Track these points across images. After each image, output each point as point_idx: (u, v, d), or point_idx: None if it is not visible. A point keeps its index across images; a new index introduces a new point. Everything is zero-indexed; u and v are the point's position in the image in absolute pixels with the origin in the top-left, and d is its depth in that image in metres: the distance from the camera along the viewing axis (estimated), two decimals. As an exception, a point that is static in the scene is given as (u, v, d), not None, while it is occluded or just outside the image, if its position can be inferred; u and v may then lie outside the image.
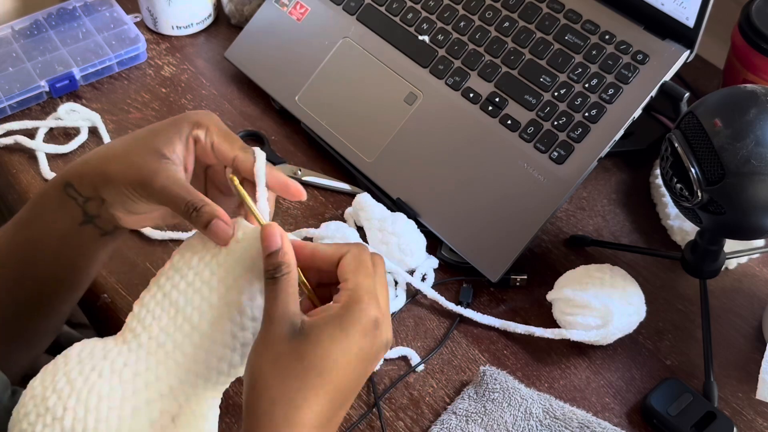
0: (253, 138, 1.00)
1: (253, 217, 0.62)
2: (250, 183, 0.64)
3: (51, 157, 0.97)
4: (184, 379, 0.59)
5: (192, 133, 0.64)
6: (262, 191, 0.62)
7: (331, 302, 0.58)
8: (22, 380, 0.73)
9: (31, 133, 0.99)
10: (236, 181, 0.63)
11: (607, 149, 0.85)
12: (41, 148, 0.96)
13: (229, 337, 0.59)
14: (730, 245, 0.85)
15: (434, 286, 0.86)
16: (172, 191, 0.61)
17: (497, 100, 0.90)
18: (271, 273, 0.57)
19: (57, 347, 1.00)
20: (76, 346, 0.61)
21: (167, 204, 0.62)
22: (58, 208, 0.65)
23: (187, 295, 0.60)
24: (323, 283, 0.62)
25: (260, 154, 0.64)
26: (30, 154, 0.97)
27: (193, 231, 0.63)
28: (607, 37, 0.88)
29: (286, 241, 0.58)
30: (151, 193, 0.62)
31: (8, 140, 0.97)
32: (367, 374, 0.58)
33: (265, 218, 0.61)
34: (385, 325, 0.57)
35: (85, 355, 0.60)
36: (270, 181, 0.63)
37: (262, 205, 0.62)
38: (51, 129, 1.00)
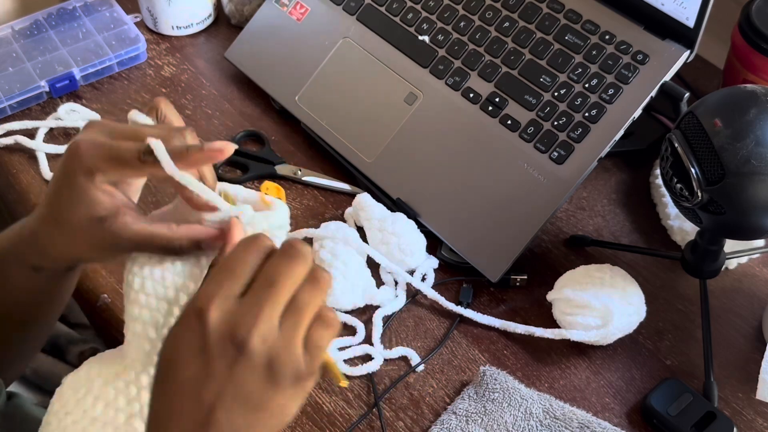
0: (253, 138, 1.00)
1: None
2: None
3: (51, 157, 0.97)
4: None
5: (97, 183, 0.57)
6: (191, 184, 0.56)
7: None
8: (21, 381, 0.74)
9: (31, 134, 0.99)
10: (224, 196, 0.59)
11: (607, 149, 0.85)
12: (41, 148, 0.96)
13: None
14: (730, 245, 0.85)
15: (434, 286, 0.86)
16: (142, 244, 0.57)
17: (497, 100, 0.90)
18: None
19: (57, 348, 1.00)
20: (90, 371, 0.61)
21: (148, 251, 0.58)
22: (19, 282, 0.63)
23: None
24: None
25: (158, 149, 0.56)
26: (30, 154, 0.97)
27: None
28: (607, 37, 0.88)
29: (237, 236, 0.55)
30: (127, 250, 0.58)
31: (8, 140, 0.97)
32: (219, 387, 0.49)
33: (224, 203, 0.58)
34: (217, 320, 0.49)
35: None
36: (195, 163, 0.57)
37: (213, 197, 0.57)
38: (51, 129, 1.00)
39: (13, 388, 0.91)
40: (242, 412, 0.50)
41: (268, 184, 0.60)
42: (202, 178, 0.59)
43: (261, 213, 0.58)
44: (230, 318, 0.49)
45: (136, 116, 0.59)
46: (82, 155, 0.57)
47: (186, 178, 0.56)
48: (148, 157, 0.55)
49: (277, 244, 0.54)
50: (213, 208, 0.58)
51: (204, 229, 0.57)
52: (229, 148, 0.57)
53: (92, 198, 0.57)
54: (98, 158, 0.57)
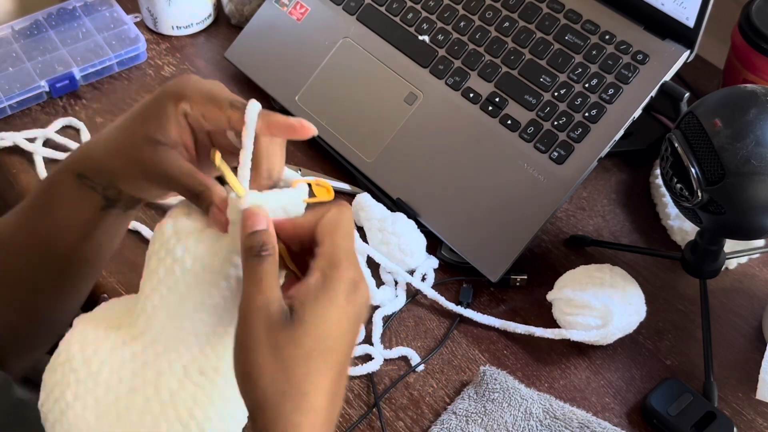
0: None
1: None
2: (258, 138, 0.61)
3: (48, 161, 0.96)
4: (178, 349, 0.59)
5: (178, 108, 0.60)
6: (247, 155, 0.58)
7: (311, 270, 0.55)
8: (22, 381, 0.74)
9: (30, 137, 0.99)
10: (218, 159, 0.60)
11: (607, 149, 0.85)
12: (40, 152, 0.96)
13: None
14: (730, 245, 0.85)
15: (434, 286, 0.86)
16: (172, 178, 0.59)
17: (497, 100, 0.90)
18: (257, 251, 0.54)
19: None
20: (99, 310, 0.62)
21: (174, 190, 0.60)
22: (76, 196, 0.64)
23: (174, 274, 0.58)
24: (304, 249, 0.59)
25: (252, 107, 0.59)
26: (29, 157, 0.97)
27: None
28: (607, 37, 0.88)
29: (269, 221, 0.56)
30: (156, 181, 0.60)
31: (7, 143, 0.97)
32: (356, 337, 0.56)
33: (244, 185, 0.58)
34: (363, 285, 0.55)
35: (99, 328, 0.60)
36: (271, 128, 0.59)
37: (244, 173, 0.58)
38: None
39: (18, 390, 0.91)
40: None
41: (321, 182, 0.60)
42: (268, 157, 0.60)
43: (274, 192, 0.59)
44: (367, 287, 0.56)
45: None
46: (177, 82, 0.61)
47: (248, 143, 0.58)
48: (236, 107, 0.59)
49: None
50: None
51: (221, 201, 0.58)
52: (312, 131, 0.59)
53: (165, 120, 0.60)
54: (192, 88, 0.60)
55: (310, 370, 0.53)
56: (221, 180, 0.59)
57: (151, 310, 0.58)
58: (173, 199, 0.86)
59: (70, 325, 0.65)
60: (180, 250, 0.57)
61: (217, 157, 0.60)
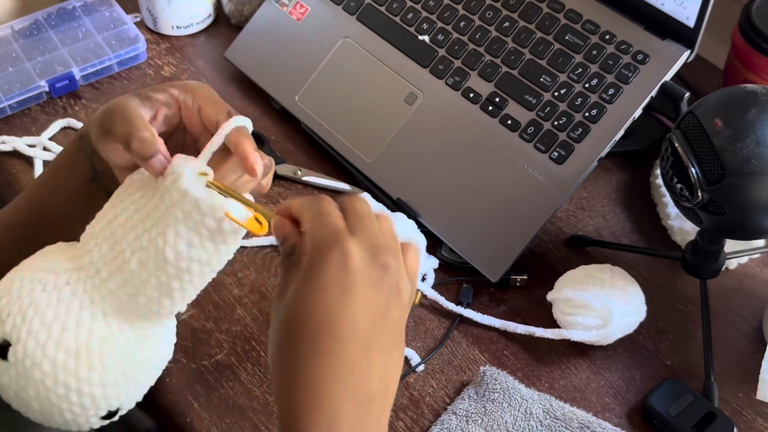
0: (253, 138, 1.00)
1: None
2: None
3: (47, 163, 0.97)
4: (116, 308, 0.60)
5: (179, 95, 0.62)
6: (212, 144, 0.60)
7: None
8: None
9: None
10: (212, 183, 0.60)
11: (607, 149, 0.85)
12: (39, 155, 0.96)
13: (155, 280, 0.59)
14: (730, 245, 0.85)
15: (434, 286, 0.86)
16: (123, 120, 0.59)
17: (497, 100, 0.90)
18: (285, 254, 0.55)
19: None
20: (38, 253, 0.63)
21: (120, 137, 0.59)
22: (71, 164, 0.65)
23: (124, 230, 0.59)
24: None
25: (239, 117, 0.61)
26: (30, 158, 0.97)
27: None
28: (607, 37, 0.88)
29: (290, 224, 0.56)
30: (110, 124, 0.60)
31: (6, 147, 0.97)
32: (384, 315, 0.53)
33: (200, 164, 0.59)
34: (358, 249, 0.53)
35: (39, 264, 0.61)
36: (237, 147, 0.60)
37: (204, 157, 0.59)
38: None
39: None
40: (393, 340, 0.55)
41: (260, 217, 0.61)
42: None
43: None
44: (362, 245, 0.53)
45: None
46: (192, 82, 0.64)
47: (216, 143, 0.60)
48: (229, 115, 0.61)
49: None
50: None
51: (166, 151, 0.59)
52: (258, 171, 0.60)
53: (161, 90, 0.62)
54: (202, 88, 0.63)
55: (299, 348, 0.52)
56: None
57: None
58: None
59: None
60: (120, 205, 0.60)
61: (210, 182, 0.60)
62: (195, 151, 0.63)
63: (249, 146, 0.60)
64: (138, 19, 1.12)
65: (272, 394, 0.77)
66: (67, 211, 0.67)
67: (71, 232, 0.67)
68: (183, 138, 0.65)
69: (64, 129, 1.00)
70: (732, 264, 0.89)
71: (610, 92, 0.86)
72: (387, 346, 0.54)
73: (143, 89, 0.63)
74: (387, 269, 0.54)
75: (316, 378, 0.51)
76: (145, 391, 0.63)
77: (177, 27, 1.11)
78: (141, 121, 0.59)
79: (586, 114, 0.86)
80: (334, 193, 0.95)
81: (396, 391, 0.55)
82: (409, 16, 0.97)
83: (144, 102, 0.61)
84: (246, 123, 0.61)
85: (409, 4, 0.98)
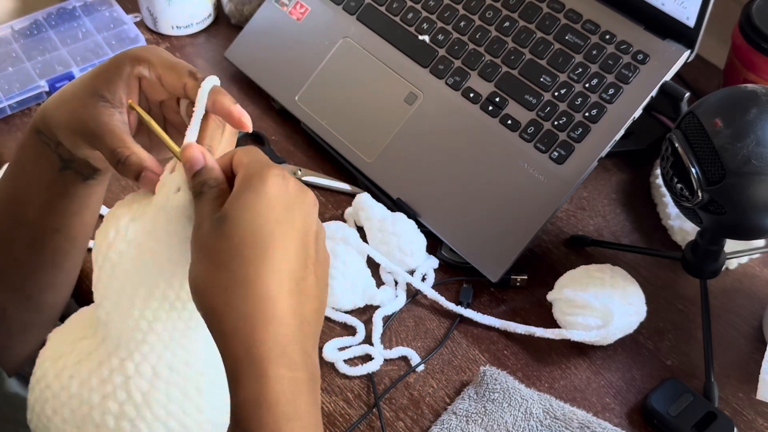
0: (253, 138, 1.00)
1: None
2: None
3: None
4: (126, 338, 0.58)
5: (134, 71, 0.60)
6: (197, 117, 0.58)
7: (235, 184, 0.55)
8: (20, 375, 0.74)
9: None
10: (138, 109, 0.60)
11: (607, 149, 0.85)
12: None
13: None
14: (730, 245, 0.85)
15: (434, 286, 0.86)
16: (102, 138, 0.58)
17: (497, 100, 0.90)
18: (198, 189, 0.54)
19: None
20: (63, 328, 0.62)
21: (100, 150, 0.59)
22: (37, 156, 0.64)
23: (128, 256, 0.57)
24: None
25: (207, 82, 0.59)
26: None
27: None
28: (607, 37, 0.88)
29: (209, 156, 0.56)
30: (86, 137, 0.60)
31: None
32: (304, 226, 0.54)
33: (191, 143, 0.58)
34: (293, 179, 0.54)
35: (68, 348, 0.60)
36: (215, 105, 0.59)
37: (193, 133, 0.58)
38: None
39: (17, 388, 0.91)
40: (322, 257, 0.56)
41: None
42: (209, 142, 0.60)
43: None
44: (278, 173, 0.54)
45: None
46: (140, 48, 0.61)
47: (200, 110, 0.59)
48: (194, 77, 0.60)
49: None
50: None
51: (155, 165, 0.58)
52: (247, 127, 0.60)
53: (117, 78, 0.60)
54: (154, 54, 0.61)
55: (246, 258, 0.51)
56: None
57: (105, 316, 0.58)
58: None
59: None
60: (112, 233, 0.57)
61: (136, 107, 0.60)
62: (160, 114, 0.63)
63: (228, 102, 0.59)
64: (138, 19, 1.12)
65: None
66: (43, 202, 0.65)
67: (51, 222, 0.66)
68: (146, 106, 0.63)
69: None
70: (732, 264, 0.89)
71: (610, 92, 0.86)
72: (323, 260, 0.55)
73: (95, 79, 0.60)
74: (303, 189, 0.55)
75: (267, 292, 0.51)
76: None
77: (177, 27, 1.11)
78: (118, 139, 0.58)
79: (586, 114, 0.86)
80: (335, 193, 0.95)
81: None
82: (409, 16, 0.97)
83: (110, 108, 0.59)
84: (215, 81, 0.60)
85: (409, 4, 0.98)
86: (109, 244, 0.57)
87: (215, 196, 0.54)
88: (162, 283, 0.57)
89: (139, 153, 0.58)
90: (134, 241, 0.56)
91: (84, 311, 0.63)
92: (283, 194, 0.53)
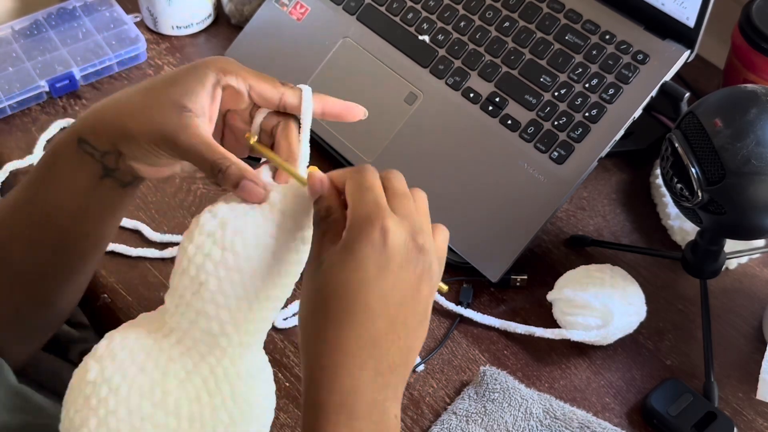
0: (253, 138, 1.00)
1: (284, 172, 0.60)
2: (266, 137, 0.62)
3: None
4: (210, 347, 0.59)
5: (221, 81, 0.61)
6: (306, 134, 0.60)
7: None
8: (21, 371, 0.74)
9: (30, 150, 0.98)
10: (255, 143, 0.60)
11: (607, 149, 0.85)
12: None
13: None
14: (730, 245, 0.85)
15: (434, 286, 0.86)
16: (197, 150, 0.58)
17: (497, 100, 0.90)
18: (316, 219, 0.57)
19: (57, 346, 1.00)
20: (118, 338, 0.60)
21: (192, 161, 0.60)
22: (75, 164, 0.63)
23: (218, 272, 0.57)
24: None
25: (307, 90, 0.60)
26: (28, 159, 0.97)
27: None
28: (607, 37, 0.88)
29: (326, 182, 0.58)
30: (174, 150, 0.59)
31: (4, 174, 0.95)
32: (414, 295, 0.55)
33: (302, 166, 0.60)
34: (397, 229, 0.54)
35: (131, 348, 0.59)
36: (326, 109, 0.62)
37: (304, 149, 0.61)
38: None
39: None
40: (419, 318, 0.56)
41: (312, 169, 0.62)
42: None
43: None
44: (401, 224, 0.54)
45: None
46: (222, 58, 0.62)
47: (307, 121, 0.61)
48: (287, 85, 0.61)
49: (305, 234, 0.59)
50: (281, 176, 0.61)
51: (254, 174, 0.59)
52: (362, 113, 0.63)
53: (200, 88, 0.60)
54: (240, 66, 0.62)
55: (330, 314, 0.53)
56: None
57: (194, 315, 0.57)
58: (149, 232, 0.86)
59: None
60: (229, 235, 0.57)
61: (253, 141, 0.61)
62: (220, 123, 0.64)
63: (334, 100, 0.63)
64: (138, 19, 1.12)
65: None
66: (77, 209, 0.65)
67: (81, 228, 0.66)
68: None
69: (64, 129, 1.00)
70: (732, 264, 0.89)
71: (610, 92, 0.86)
72: (413, 323, 0.56)
73: (174, 89, 0.60)
74: (422, 251, 0.55)
75: (343, 347, 0.53)
76: None
77: (177, 27, 1.11)
78: (215, 151, 0.59)
79: (586, 114, 0.86)
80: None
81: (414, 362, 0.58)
82: (409, 16, 0.97)
83: (195, 119, 0.59)
84: (308, 89, 0.62)
85: (409, 4, 0.98)
86: (224, 248, 0.57)
87: (329, 230, 0.56)
88: (266, 291, 0.58)
89: (238, 164, 0.58)
90: (247, 246, 0.57)
91: (144, 316, 0.62)
92: (374, 255, 0.53)
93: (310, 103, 0.61)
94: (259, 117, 0.63)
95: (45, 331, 0.73)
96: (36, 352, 0.76)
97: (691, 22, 0.84)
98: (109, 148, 0.62)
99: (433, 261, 0.56)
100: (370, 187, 0.56)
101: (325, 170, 0.96)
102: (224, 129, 0.66)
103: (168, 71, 0.62)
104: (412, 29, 0.97)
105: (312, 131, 0.97)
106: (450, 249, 0.88)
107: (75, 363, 0.97)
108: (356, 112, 0.62)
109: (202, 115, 0.60)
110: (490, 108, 0.90)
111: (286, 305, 0.70)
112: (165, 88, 0.60)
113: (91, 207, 0.65)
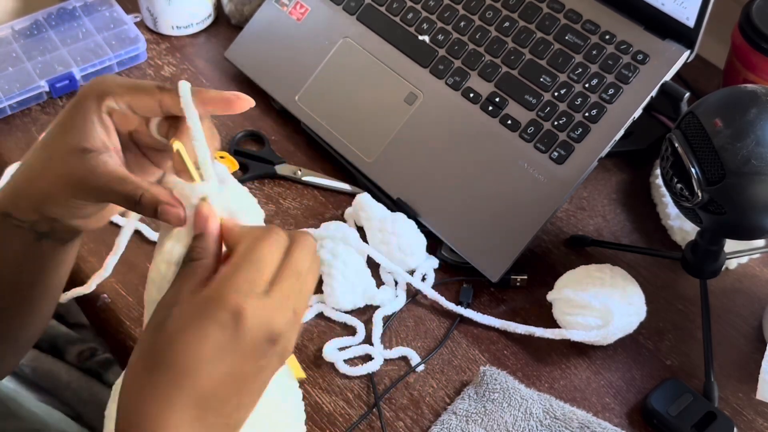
0: (253, 138, 1.00)
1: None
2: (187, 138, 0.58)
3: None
4: None
5: (102, 107, 0.57)
6: (197, 131, 0.56)
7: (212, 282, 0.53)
8: (18, 372, 0.73)
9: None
10: (181, 150, 0.57)
11: (607, 149, 0.85)
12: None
13: None
14: (730, 245, 0.85)
15: (434, 286, 0.86)
16: (109, 187, 0.56)
17: (497, 100, 0.90)
18: (192, 256, 0.53)
19: (56, 348, 1.00)
20: None
21: (110, 201, 0.57)
22: (6, 236, 0.61)
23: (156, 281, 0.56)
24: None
25: (183, 87, 0.57)
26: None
27: None
28: (607, 37, 0.88)
29: (212, 226, 0.54)
30: (90, 195, 0.57)
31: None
32: (252, 380, 0.52)
33: (202, 161, 0.56)
34: (256, 319, 0.50)
35: None
36: (206, 104, 0.58)
37: (200, 146, 0.56)
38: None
39: (13, 385, 0.91)
40: (254, 396, 0.53)
41: (224, 154, 0.59)
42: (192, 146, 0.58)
43: (226, 193, 0.57)
44: (264, 315, 0.51)
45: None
46: (95, 81, 0.58)
47: (193, 116, 0.56)
48: (166, 89, 0.57)
49: (244, 220, 0.56)
50: (189, 177, 0.57)
51: (168, 197, 0.56)
52: (249, 102, 0.58)
53: (89, 124, 0.57)
54: (112, 83, 0.58)
55: (152, 381, 0.50)
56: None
57: None
58: (149, 231, 0.85)
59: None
60: (159, 258, 0.56)
61: (180, 149, 0.57)
62: (131, 145, 0.61)
63: (215, 92, 0.58)
64: (138, 19, 1.12)
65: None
66: (15, 276, 0.63)
67: (26, 278, 0.63)
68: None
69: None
70: (732, 264, 0.89)
71: (610, 92, 0.86)
72: (245, 402, 0.53)
73: (66, 136, 0.57)
74: (276, 342, 0.52)
75: (164, 415, 0.50)
76: None
77: (177, 27, 1.11)
78: (125, 183, 0.56)
79: (586, 114, 0.86)
80: (335, 193, 0.95)
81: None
82: (409, 16, 0.97)
83: (98, 157, 0.57)
84: (187, 84, 0.58)
85: (409, 4, 0.98)
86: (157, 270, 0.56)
87: (192, 277, 0.53)
88: None
89: (150, 189, 0.56)
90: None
91: None
92: (221, 338, 0.50)
93: (189, 99, 0.57)
94: (153, 128, 0.60)
95: (8, 360, 0.71)
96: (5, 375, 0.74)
97: (691, 22, 0.84)
98: (36, 217, 0.60)
99: (286, 350, 0.53)
100: (256, 261, 0.52)
101: (324, 171, 0.96)
102: (137, 151, 0.63)
103: (59, 115, 0.59)
104: (412, 29, 0.97)
105: (312, 131, 0.98)
106: (450, 249, 0.88)
107: (72, 364, 0.98)
108: (242, 103, 0.58)
109: (105, 149, 0.57)
110: (490, 108, 0.90)
111: None
112: (60, 137, 0.58)
113: (29, 265, 0.63)
